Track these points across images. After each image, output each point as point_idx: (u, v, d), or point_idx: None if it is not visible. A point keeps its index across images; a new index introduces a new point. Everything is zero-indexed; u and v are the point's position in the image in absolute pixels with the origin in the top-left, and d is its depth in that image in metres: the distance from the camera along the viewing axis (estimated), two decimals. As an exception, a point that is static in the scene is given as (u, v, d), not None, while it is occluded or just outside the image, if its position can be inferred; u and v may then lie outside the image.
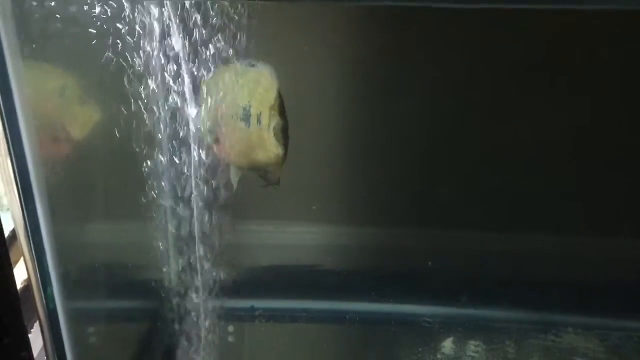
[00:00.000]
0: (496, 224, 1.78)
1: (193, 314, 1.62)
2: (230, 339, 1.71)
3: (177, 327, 1.61)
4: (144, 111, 1.36)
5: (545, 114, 1.62)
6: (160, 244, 1.53)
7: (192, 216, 1.51)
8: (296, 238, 1.79)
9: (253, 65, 1.35)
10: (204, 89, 1.36)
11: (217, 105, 1.35)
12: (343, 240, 1.86)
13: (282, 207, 1.78)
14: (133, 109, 1.35)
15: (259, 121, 1.37)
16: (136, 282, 1.64)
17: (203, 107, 1.36)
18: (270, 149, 1.39)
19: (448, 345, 1.70)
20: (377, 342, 1.77)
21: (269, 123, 1.37)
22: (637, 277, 1.78)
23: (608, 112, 1.61)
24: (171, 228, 1.53)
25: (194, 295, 1.60)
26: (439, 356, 1.66)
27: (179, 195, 1.47)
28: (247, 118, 1.36)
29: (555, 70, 1.58)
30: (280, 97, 1.38)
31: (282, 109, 1.38)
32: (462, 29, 1.51)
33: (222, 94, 1.34)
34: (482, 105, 1.66)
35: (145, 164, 1.42)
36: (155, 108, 1.37)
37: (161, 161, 1.43)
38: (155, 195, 1.44)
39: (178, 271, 1.58)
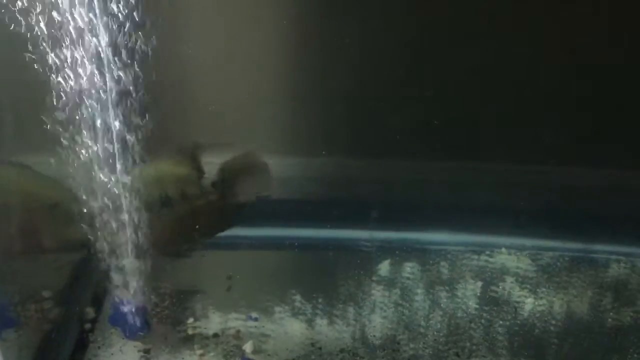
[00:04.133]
0: (435, 152, 1.81)
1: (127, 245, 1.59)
2: (169, 267, 1.70)
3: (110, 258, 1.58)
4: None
5: (480, 45, 1.63)
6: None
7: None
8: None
9: None
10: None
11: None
12: (287, 171, 1.85)
13: (227, 138, 1.76)
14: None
15: (183, 196, 1.50)
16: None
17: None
18: (205, 214, 1.50)
19: (384, 267, 1.72)
20: (315, 266, 1.79)
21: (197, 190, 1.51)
22: (567, 201, 1.82)
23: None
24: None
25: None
26: (374, 278, 1.68)
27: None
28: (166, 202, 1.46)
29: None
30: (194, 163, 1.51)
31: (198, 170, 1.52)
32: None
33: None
34: (420, 38, 1.65)
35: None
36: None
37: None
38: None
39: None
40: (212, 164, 1.61)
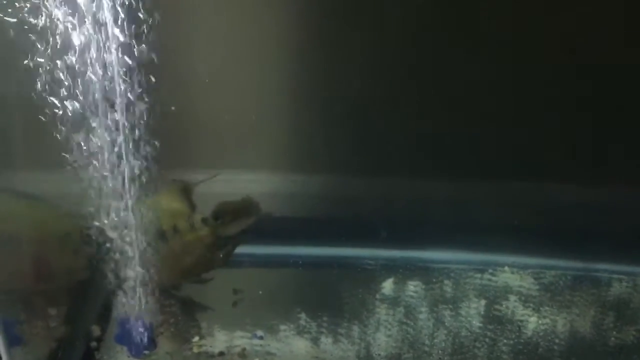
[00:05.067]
0: (437, 171, 1.81)
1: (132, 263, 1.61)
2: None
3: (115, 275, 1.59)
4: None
5: (481, 64, 1.65)
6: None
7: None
8: (244, 186, 1.77)
9: None
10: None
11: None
12: (290, 188, 1.86)
13: (230, 155, 1.77)
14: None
15: (175, 230, 1.51)
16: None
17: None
18: (196, 249, 1.54)
19: (388, 285, 1.73)
20: (319, 285, 1.79)
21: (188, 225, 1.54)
22: (569, 220, 1.83)
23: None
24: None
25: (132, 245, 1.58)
26: (378, 297, 1.69)
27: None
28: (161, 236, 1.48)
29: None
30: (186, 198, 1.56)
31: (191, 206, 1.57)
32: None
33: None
34: (425, 55, 1.67)
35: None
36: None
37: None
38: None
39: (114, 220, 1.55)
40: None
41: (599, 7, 1.62)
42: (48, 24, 1.21)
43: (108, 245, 1.41)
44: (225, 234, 1.60)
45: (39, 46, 1.22)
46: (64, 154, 1.31)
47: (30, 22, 1.21)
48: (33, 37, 1.22)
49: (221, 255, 1.63)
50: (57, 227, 1.47)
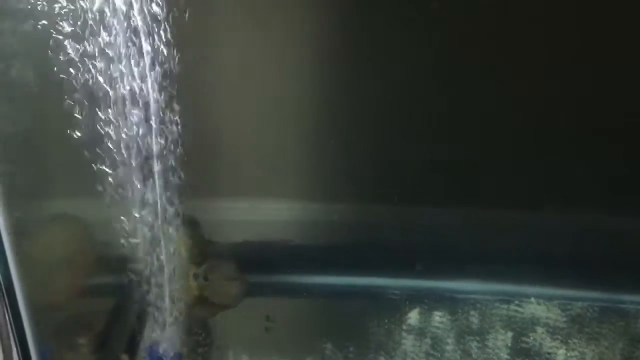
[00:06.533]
0: (461, 199, 1.81)
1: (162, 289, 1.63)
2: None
3: (145, 305, 1.61)
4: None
5: (503, 88, 1.64)
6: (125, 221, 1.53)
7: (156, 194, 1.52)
8: (267, 214, 1.79)
9: None
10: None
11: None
12: (312, 216, 1.86)
13: (254, 183, 1.78)
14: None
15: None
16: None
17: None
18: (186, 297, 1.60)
19: (414, 316, 1.72)
20: (344, 314, 1.79)
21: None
22: (598, 249, 1.81)
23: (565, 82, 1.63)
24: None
25: (162, 272, 1.60)
26: (404, 327, 1.68)
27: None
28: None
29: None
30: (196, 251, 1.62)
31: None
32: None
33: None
34: (447, 80, 1.67)
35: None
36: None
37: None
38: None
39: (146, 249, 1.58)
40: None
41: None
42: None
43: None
44: (209, 298, 1.64)
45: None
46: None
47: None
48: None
49: (202, 314, 1.67)
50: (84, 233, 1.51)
